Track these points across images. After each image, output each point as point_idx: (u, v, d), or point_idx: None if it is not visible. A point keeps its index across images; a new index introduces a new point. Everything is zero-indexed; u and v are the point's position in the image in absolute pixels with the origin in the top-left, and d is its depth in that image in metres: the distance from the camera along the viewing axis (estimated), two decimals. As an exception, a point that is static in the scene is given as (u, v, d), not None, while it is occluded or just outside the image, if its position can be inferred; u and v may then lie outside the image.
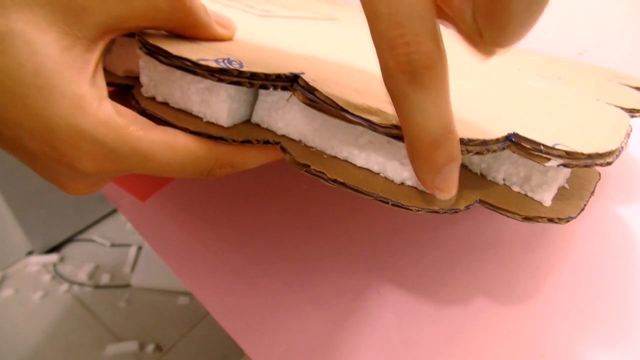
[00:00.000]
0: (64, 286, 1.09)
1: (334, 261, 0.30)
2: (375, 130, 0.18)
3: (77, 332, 1.00)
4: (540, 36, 0.40)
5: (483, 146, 0.17)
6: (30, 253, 1.16)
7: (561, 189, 0.21)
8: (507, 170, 0.20)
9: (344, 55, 0.24)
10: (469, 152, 0.17)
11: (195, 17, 0.20)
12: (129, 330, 1.00)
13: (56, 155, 0.17)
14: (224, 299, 0.30)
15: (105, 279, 1.11)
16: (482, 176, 0.21)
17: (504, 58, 0.30)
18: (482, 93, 0.22)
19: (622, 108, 0.24)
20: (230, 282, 0.30)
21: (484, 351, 0.25)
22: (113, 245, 1.20)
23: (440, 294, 0.27)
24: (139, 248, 1.18)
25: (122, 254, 1.17)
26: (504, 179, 0.21)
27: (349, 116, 0.18)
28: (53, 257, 1.15)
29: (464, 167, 0.22)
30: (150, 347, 0.97)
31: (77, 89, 0.17)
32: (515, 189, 0.21)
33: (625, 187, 0.31)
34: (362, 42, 0.25)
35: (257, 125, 0.22)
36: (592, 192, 0.22)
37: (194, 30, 0.20)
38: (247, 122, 0.22)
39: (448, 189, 0.17)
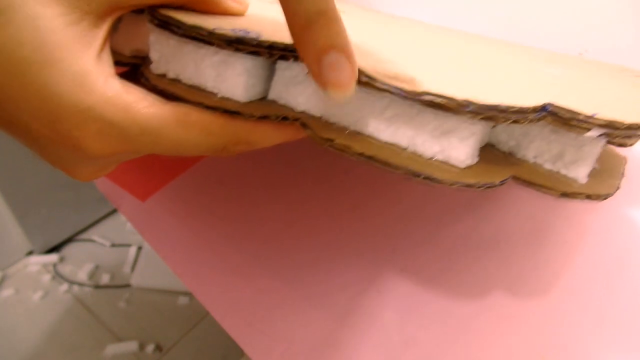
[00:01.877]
0: (64, 286, 1.09)
1: (334, 260, 0.30)
2: (405, 98, 0.17)
3: (77, 332, 1.00)
4: (540, 36, 0.40)
5: (520, 114, 0.16)
6: (30, 253, 1.16)
7: (592, 169, 0.20)
8: (538, 147, 0.20)
9: (360, 38, 0.24)
10: (506, 120, 0.16)
11: None
12: (129, 330, 1.00)
13: (60, 137, 0.16)
14: (224, 299, 0.30)
15: (105, 279, 1.11)
16: (511, 155, 0.20)
17: (511, 53, 0.30)
18: (501, 78, 0.21)
19: None
20: (230, 281, 0.30)
21: (484, 351, 0.25)
22: (113, 245, 1.20)
23: (440, 294, 0.27)
24: (139, 248, 1.18)
25: (122, 254, 1.17)
26: (534, 157, 0.20)
27: (377, 84, 0.17)
28: (53, 257, 1.15)
29: (491, 147, 0.21)
30: (150, 347, 0.97)
31: (83, 65, 0.16)
32: (547, 166, 0.20)
33: (628, 186, 0.31)
34: (374, 33, 0.24)
35: (274, 102, 0.21)
36: (623, 174, 0.22)
37: (204, 4, 0.20)
38: (263, 99, 0.21)
39: (338, 81, 0.16)
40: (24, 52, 0.15)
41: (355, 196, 0.33)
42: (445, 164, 0.18)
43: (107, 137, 0.17)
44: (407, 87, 0.16)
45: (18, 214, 1.07)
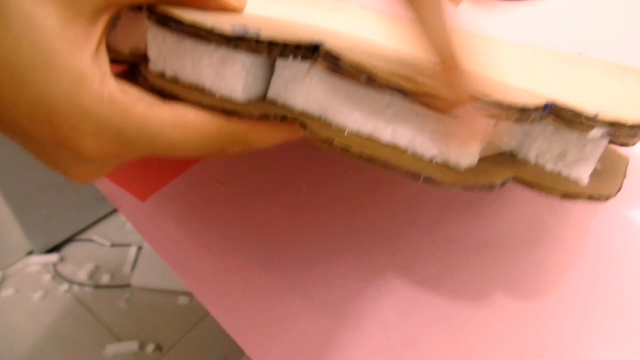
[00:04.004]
0: (64, 286, 1.09)
1: (334, 261, 0.30)
2: (406, 96, 0.16)
3: (77, 332, 1.00)
4: (540, 37, 0.40)
5: (523, 113, 0.16)
6: (30, 253, 1.16)
7: (594, 169, 0.20)
8: (539, 147, 0.20)
9: (363, 35, 0.23)
10: (509, 118, 0.16)
11: None
12: (129, 330, 1.00)
13: (57, 138, 0.16)
14: (224, 299, 0.30)
15: (105, 279, 1.11)
16: (512, 155, 0.20)
17: (512, 47, 0.30)
18: (503, 73, 0.21)
19: None
20: (230, 282, 0.30)
21: (484, 351, 0.25)
22: (113, 245, 1.20)
23: (439, 294, 0.27)
24: (139, 248, 1.18)
25: (122, 254, 1.17)
26: (536, 157, 0.20)
27: (379, 81, 0.17)
28: (53, 257, 1.15)
29: None
30: (150, 347, 0.97)
31: (79, 65, 0.16)
32: (549, 167, 0.20)
33: (629, 187, 0.31)
34: (377, 30, 0.24)
35: (273, 102, 0.21)
36: (625, 174, 0.22)
37: (202, 1, 0.19)
38: (262, 99, 0.21)
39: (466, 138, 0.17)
40: (20, 52, 0.15)
41: (354, 196, 0.33)
42: (445, 166, 0.18)
43: (103, 139, 0.16)
44: (408, 85, 0.16)
45: (18, 214, 1.07)
